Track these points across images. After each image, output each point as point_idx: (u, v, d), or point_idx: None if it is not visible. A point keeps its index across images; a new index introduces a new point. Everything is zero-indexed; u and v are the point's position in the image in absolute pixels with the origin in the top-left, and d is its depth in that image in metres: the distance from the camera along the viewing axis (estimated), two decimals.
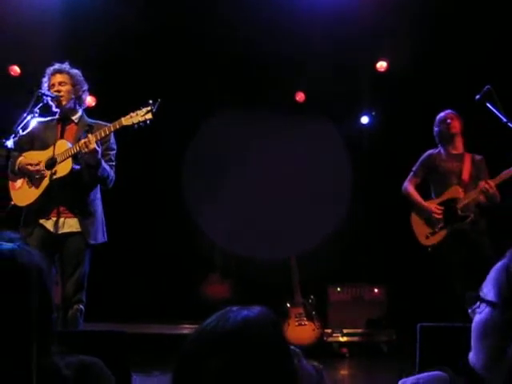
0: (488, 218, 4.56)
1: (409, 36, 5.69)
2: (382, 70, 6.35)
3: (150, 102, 3.59)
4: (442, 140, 4.72)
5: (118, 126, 3.62)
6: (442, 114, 4.72)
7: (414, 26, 5.64)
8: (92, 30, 5.64)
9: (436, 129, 4.74)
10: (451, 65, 5.58)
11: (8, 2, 5.43)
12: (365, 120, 6.64)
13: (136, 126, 3.58)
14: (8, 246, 1.31)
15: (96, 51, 5.77)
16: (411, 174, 4.80)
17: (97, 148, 3.59)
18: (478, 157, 4.69)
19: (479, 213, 4.52)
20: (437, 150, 4.75)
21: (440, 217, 4.56)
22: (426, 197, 4.74)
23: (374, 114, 6.63)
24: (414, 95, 5.91)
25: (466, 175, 4.57)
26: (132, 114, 3.59)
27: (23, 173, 3.73)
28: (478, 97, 4.09)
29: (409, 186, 4.78)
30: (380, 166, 6.19)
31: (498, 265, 1.25)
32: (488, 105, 4.03)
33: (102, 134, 3.63)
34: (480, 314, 1.24)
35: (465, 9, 5.46)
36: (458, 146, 4.69)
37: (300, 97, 6.60)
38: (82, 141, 3.57)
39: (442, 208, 4.56)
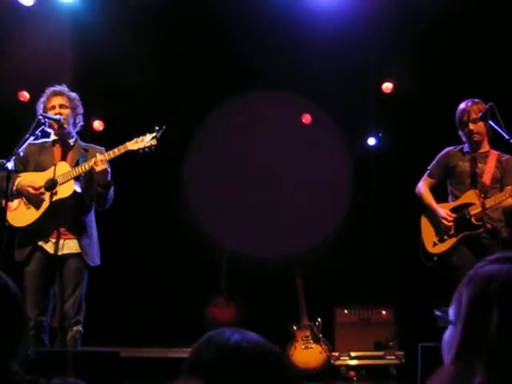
0: None
1: (414, 56, 5.70)
2: (388, 91, 6.34)
3: (156, 128, 3.65)
4: (464, 137, 4.20)
5: (123, 150, 3.68)
6: (461, 109, 4.13)
7: (420, 46, 5.65)
8: (100, 56, 5.72)
9: (457, 125, 4.19)
10: (457, 84, 5.54)
11: (18, 29, 5.53)
12: (372, 141, 6.62)
13: (141, 151, 3.64)
14: None
15: (104, 77, 5.85)
16: (426, 173, 4.33)
17: (108, 168, 3.63)
18: (505, 156, 4.14)
19: (505, 220, 4.05)
20: (458, 148, 4.24)
21: (450, 224, 4.09)
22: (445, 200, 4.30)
23: (380, 135, 6.61)
24: (420, 116, 5.89)
25: (487, 178, 4.05)
26: (137, 139, 3.66)
27: (21, 194, 3.74)
28: (480, 115, 4.05)
29: (422, 187, 4.31)
30: (387, 187, 6.15)
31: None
32: (490, 122, 4.00)
33: (112, 155, 3.67)
34: (446, 333, 1.23)
35: (471, 28, 5.46)
36: (484, 144, 4.17)
37: (306, 119, 6.62)
38: (93, 160, 3.61)
39: (454, 216, 4.08)
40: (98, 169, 3.61)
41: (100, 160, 3.61)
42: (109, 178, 3.71)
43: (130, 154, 3.73)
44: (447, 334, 1.21)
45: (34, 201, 3.72)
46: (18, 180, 3.73)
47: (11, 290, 1.30)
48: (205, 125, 6.10)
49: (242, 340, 1.13)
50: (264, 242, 5.67)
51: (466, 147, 4.24)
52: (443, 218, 4.12)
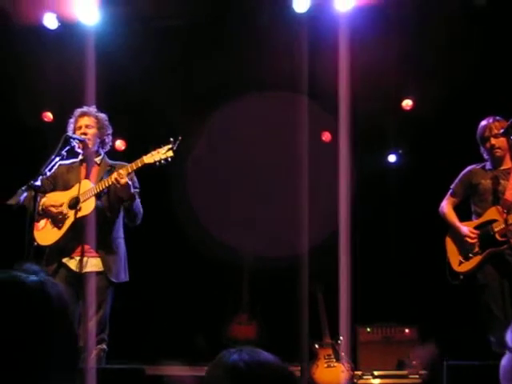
0: None
1: (435, 73, 5.70)
2: (408, 108, 6.34)
3: (171, 139, 3.68)
4: (486, 154, 4.20)
5: (140, 164, 3.72)
6: (483, 125, 4.16)
7: (441, 62, 5.65)
8: (123, 78, 5.80)
9: (478, 141, 4.22)
10: (478, 101, 5.52)
11: (42, 52, 5.64)
12: (392, 158, 6.61)
13: (157, 163, 3.67)
14: (35, 278, 1.27)
15: (126, 98, 5.93)
16: (449, 192, 4.32)
17: (129, 182, 3.68)
18: None
19: None
20: (480, 166, 4.24)
21: (474, 241, 4.05)
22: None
23: (401, 152, 6.60)
24: (441, 133, 5.88)
25: (509, 194, 3.98)
26: (153, 152, 3.69)
27: (47, 213, 3.81)
28: (502, 130, 4.02)
29: (445, 206, 4.29)
30: (408, 204, 6.13)
31: None
32: None
33: (129, 170, 3.72)
34: (503, 359, 1.19)
35: (493, 45, 5.45)
36: (506, 161, 4.16)
37: (326, 136, 6.63)
38: (114, 175, 3.65)
39: (478, 232, 4.05)
40: (119, 184, 3.64)
41: (119, 175, 3.65)
42: (131, 191, 3.74)
43: (147, 167, 3.76)
44: (505, 362, 1.17)
45: (57, 219, 3.79)
46: (43, 200, 3.81)
47: (69, 316, 1.28)
48: (216, 131, 6.13)
49: (239, 360, 1.16)
50: (281, 247, 5.67)
51: (488, 165, 4.23)
52: (466, 236, 4.10)
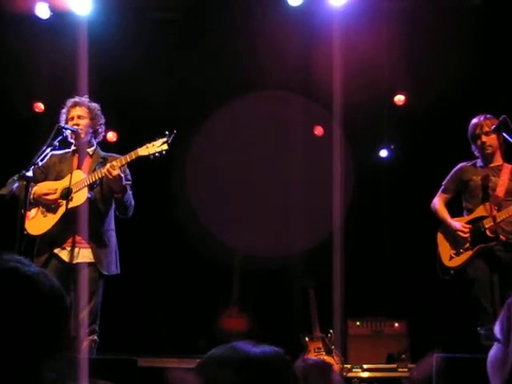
0: None
1: (427, 69, 5.72)
2: (401, 103, 6.35)
3: (166, 133, 3.67)
4: (477, 152, 4.25)
5: (134, 157, 3.70)
6: (474, 123, 4.20)
7: (433, 57, 5.67)
8: (115, 68, 5.77)
9: (470, 139, 4.26)
10: (470, 96, 5.55)
11: (34, 41, 5.60)
12: (384, 153, 6.62)
13: (152, 156, 3.66)
14: (35, 269, 1.27)
15: (118, 89, 5.90)
16: (441, 188, 4.37)
17: (121, 174, 3.66)
18: None
19: None
20: (471, 163, 4.29)
21: (466, 236, 4.10)
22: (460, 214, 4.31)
23: (393, 147, 6.61)
24: (433, 128, 5.90)
25: (500, 191, 4.06)
26: (148, 144, 3.67)
27: (38, 202, 3.80)
28: (494, 127, 4.07)
29: (437, 202, 4.34)
30: (399, 199, 6.15)
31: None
32: (504, 134, 4.01)
33: (123, 162, 3.70)
34: (492, 350, 1.19)
35: (485, 41, 5.46)
36: (496, 158, 4.21)
37: (319, 131, 6.63)
38: (107, 166, 3.64)
39: (470, 227, 4.11)
40: (111, 175, 3.63)
41: (111, 167, 3.64)
42: (123, 184, 3.73)
43: (141, 160, 3.75)
44: (493, 353, 1.18)
45: (50, 209, 3.78)
46: (35, 189, 3.78)
47: (45, 291, 1.28)
48: (211, 129, 6.11)
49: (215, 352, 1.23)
50: (274, 244, 5.67)
51: (479, 162, 4.28)
52: (459, 230, 4.14)
